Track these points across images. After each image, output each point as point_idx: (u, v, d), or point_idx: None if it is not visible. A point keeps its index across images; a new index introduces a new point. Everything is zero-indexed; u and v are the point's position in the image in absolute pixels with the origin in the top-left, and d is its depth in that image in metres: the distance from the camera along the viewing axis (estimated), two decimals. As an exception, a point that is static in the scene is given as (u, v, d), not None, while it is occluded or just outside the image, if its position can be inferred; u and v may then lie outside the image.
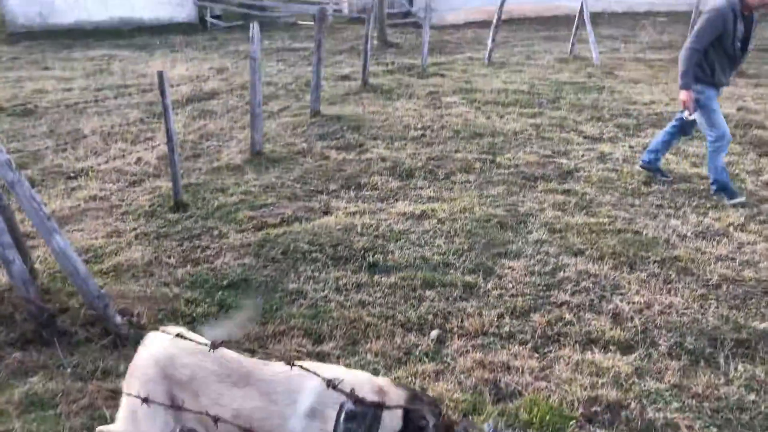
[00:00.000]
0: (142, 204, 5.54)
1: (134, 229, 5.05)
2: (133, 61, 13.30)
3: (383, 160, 6.60)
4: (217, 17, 19.97)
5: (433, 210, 5.26)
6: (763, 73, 10.95)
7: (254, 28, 6.56)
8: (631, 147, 6.80)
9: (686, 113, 5.30)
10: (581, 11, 12.63)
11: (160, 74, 4.97)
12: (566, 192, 5.64)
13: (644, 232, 4.78)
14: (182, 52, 14.32)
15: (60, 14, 17.99)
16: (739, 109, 8.15)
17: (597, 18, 17.94)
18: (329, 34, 17.33)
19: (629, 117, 7.92)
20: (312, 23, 15.20)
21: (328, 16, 20.29)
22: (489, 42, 12.63)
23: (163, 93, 5.02)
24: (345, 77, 11.35)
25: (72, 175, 6.29)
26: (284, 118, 8.50)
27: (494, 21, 12.63)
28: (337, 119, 8.17)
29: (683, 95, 5.16)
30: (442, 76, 11.28)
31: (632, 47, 14.11)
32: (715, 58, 5.09)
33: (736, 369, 3.18)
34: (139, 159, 6.71)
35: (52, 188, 5.93)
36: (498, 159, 6.56)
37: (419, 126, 7.81)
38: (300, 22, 20.25)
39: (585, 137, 7.22)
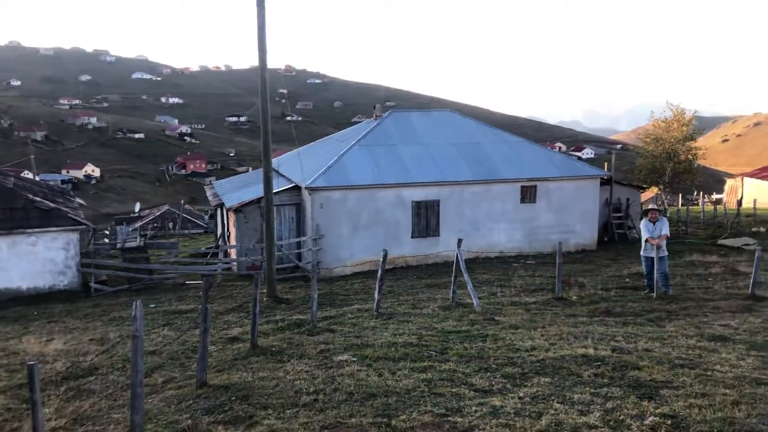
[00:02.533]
0: None
1: None
2: (4, 336, 12.57)
3: (274, 433, 6.29)
4: (103, 282, 19.71)
5: (329, 491, 4.94)
6: (628, 311, 11.90)
7: (137, 306, 6.47)
8: (520, 398, 6.92)
9: None
10: (457, 260, 13.55)
11: (30, 369, 4.69)
12: (464, 455, 5.53)
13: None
14: (62, 323, 13.76)
15: (-72, 289, 17.12)
16: (613, 351, 8.65)
17: (472, 263, 19.32)
18: (219, 293, 17.41)
19: (514, 366, 8.18)
20: (201, 282, 15.27)
21: (218, 276, 20.58)
22: (376, 294, 13.09)
23: (32, 388, 4.70)
24: (234, 339, 11.20)
25: None
26: (169, 391, 8.10)
27: (379, 273, 13.23)
28: (225, 389, 7.88)
29: None
30: (333, 331, 11.38)
31: (508, 291, 15.06)
32: None
33: None
34: (-1, 457, 6.02)
35: None
36: (393, 422, 6.43)
37: (311, 390, 7.65)
38: (188, 282, 20.31)
39: (475, 390, 7.30)
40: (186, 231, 47.24)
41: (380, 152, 23.57)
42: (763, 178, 44.65)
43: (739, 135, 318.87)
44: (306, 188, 21.44)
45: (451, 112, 28.29)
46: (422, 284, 17.71)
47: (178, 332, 11.96)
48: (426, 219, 22.68)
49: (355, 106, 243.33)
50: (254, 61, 16.56)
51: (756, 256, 13.39)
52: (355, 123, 36.75)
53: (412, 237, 22.55)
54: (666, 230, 13.45)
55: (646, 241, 13.57)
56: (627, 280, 16.17)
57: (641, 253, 13.91)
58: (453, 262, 13.77)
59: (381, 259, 13.27)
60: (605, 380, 7.40)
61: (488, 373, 7.94)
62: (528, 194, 23.72)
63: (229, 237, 24.80)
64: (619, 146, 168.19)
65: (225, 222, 25.84)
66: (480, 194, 23.23)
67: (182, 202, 52.44)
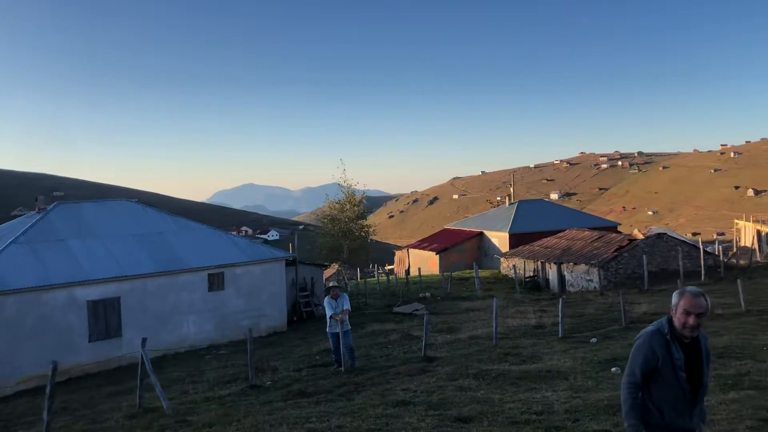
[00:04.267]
0: None
1: None
2: None
3: None
4: None
5: None
6: (320, 389, 12.14)
7: None
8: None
9: None
10: (143, 361, 12.49)
11: None
12: None
13: None
14: None
15: None
16: None
17: (162, 361, 18.12)
18: None
19: (209, 470, 7.65)
20: None
21: None
22: (45, 414, 11.30)
23: None
24: None
25: None
26: None
27: (48, 389, 11.49)
28: None
29: None
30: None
31: (201, 386, 14.33)
32: (661, 395, 4.23)
33: None
34: None
35: None
36: None
37: None
38: None
39: None
40: None
41: (45, 249, 21.08)
42: (423, 248, 50.79)
43: (402, 211, 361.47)
44: (-51, 298, 18.03)
45: (129, 202, 26.81)
46: (104, 393, 15.93)
47: None
48: (105, 319, 20.71)
49: (14, 198, 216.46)
50: None
51: (425, 320, 14.90)
52: (15, 217, 32.41)
53: (89, 341, 20.33)
54: (347, 305, 14.23)
55: (331, 317, 14.17)
56: (317, 357, 16.65)
57: (327, 329, 14.45)
58: (139, 363, 12.66)
59: (50, 373, 11.57)
60: (302, 467, 7.30)
61: (181, 485, 7.28)
62: (216, 282, 23.32)
63: None
64: (301, 227, 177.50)
65: None
66: (165, 286, 22.11)
67: None
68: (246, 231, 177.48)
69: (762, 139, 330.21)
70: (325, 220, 46.40)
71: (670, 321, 4.31)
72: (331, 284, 15.27)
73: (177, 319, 22.20)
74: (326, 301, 14.45)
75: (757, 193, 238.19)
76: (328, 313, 14.26)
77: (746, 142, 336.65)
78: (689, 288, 4.34)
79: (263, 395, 12.35)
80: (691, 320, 4.19)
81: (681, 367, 4.20)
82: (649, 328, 4.31)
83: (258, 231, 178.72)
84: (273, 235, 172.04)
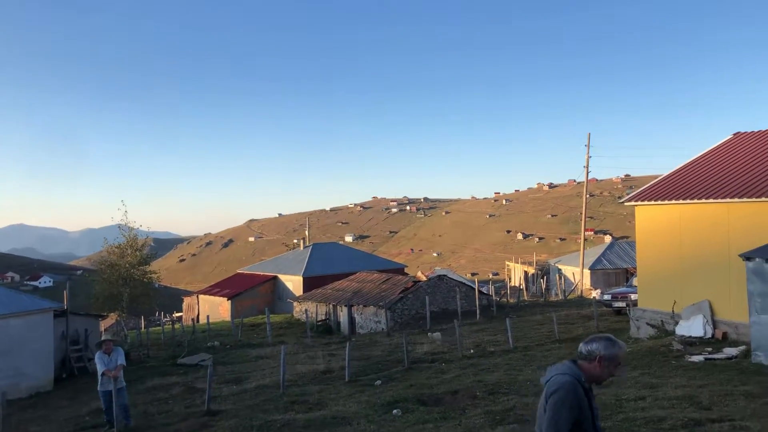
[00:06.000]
0: None
1: None
2: None
3: None
4: None
5: None
6: None
7: None
8: None
9: None
10: None
11: None
12: None
13: None
14: None
15: None
16: None
17: None
18: None
19: None
20: None
21: None
22: None
23: None
24: None
25: None
26: None
27: None
28: None
29: None
30: None
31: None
32: None
33: None
34: None
35: None
36: None
37: None
38: None
39: None
40: None
41: None
42: (215, 294, 49.01)
43: (194, 254, 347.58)
44: None
45: None
46: None
47: None
48: None
49: None
50: None
51: (209, 371, 14.19)
52: None
53: None
54: (122, 360, 13.12)
55: (103, 374, 12.95)
56: (87, 418, 15.10)
57: (99, 387, 13.18)
58: None
59: None
60: None
61: None
62: (-35, 338, 20.25)
63: None
64: (80, 272, 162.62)
65: None
66: None
67: None
68: (12, 277, 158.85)
69: (528, 188, 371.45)
70: (103, 266, 42.87)
71: (580, 368, 4.04)
72: (103, 337, 13.97)
73: None
74: (98, 356, 13.18)
75: (525, 236, 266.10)
76: (100, 369, 13.02)
77: (516, 190, 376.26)
78: (614, 338, 4.11)
79: (14, 469, 10.82)
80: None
81: (598, 416, 4.06)
82: (566, 378, 3.92)
83: (27, 277, 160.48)
84: (45, 281, 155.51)
